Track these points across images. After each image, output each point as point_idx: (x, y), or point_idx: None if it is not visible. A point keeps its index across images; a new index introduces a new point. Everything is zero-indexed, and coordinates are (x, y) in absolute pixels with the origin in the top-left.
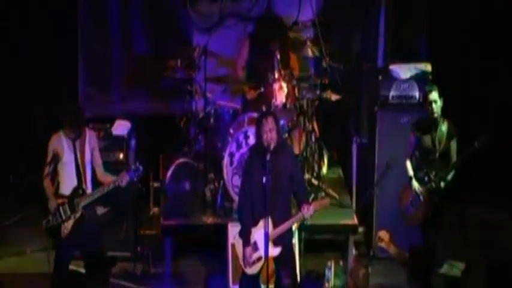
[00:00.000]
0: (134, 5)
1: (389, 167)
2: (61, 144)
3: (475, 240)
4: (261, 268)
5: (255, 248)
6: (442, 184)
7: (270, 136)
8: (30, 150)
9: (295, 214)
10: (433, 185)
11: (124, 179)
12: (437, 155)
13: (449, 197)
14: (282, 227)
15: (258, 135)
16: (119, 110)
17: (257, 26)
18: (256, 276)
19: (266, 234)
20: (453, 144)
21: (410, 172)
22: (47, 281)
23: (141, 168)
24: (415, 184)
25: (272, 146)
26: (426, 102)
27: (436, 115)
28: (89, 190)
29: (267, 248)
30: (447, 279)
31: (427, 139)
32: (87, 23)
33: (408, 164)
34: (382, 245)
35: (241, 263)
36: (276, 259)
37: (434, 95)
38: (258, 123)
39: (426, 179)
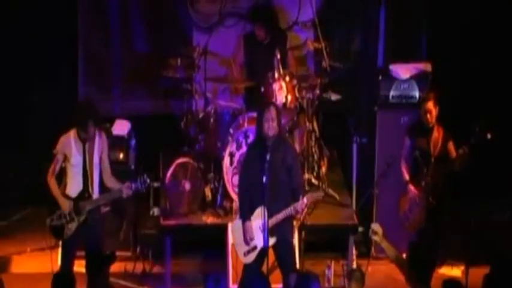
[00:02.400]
0: (134, 4)
1: (390, 166)
2: (70, 146)
3: (475, 240)
4: (256, 257)
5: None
6: (439, 188)
7: (271, 125)
8: (31, 149)
9: (289, 207)
10: (430, 189)
11: (129, 190)
12: (432, 159)
13: (448, 200)
14: (276, 218)
15: (259, 125)
16: (118, 109)
17: (248, 13)
18: (256, 267)
19: (264, 226)
20: (450, 147)
21: (406, 177)
22: (48, 280)
23: (147, 180)
24: (411, 189)
25: (272, 135)
26: (422, 110)
27: (430, 125)
28: (95, 194)
29: (267, 238)
30: (447, 279)
31: (422, 142)
32: (87, 22)
33: (403, 167)
34: (376, 238)
35: (237, 248)
36: (274, 251)
37: (430, 105)
38: (260, 113)
39: (423, 183)
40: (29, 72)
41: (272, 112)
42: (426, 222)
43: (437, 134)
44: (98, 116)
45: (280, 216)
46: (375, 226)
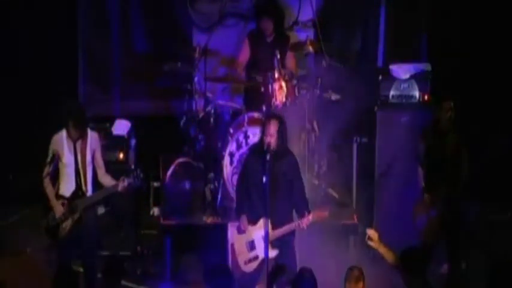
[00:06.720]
0: (134, 4)
1: (390, 167)
2: (61, 145)
3: (475, 240)
4: (257, 267)
5: (252, 246)
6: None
7: (270, 140)
8: (30, 149)
9: (294, 222)
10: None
11: (122, 185)
12: (447, 165)
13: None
14: (280, 231)
15: (261, 135)
16: (118, 109)
17: (255, 6)
18: (256, 277)
19: (266, 234)
20: (464, 154)
21: (422, 183)
22: (47, 280)
23: (141, 175)
24: (427, 197)
25: (272, 148)
26: (443, 109)
27: (449, 122)
28: (89, 192)
29: (267, 248)
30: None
31: (436, 148)
32: (87, 22)
33: (420, 173)
34: (371, 244)
35: (237, 258)
36: (275, 261)
37: (451, 103)
38: (262, 124)
39: (438, 193)
40: (29, 72)
41: (273, 127)
42: (438, 236)
43: (452, 138)
44: (79, 119)
45: (283, 230)
46: (370, 231)
